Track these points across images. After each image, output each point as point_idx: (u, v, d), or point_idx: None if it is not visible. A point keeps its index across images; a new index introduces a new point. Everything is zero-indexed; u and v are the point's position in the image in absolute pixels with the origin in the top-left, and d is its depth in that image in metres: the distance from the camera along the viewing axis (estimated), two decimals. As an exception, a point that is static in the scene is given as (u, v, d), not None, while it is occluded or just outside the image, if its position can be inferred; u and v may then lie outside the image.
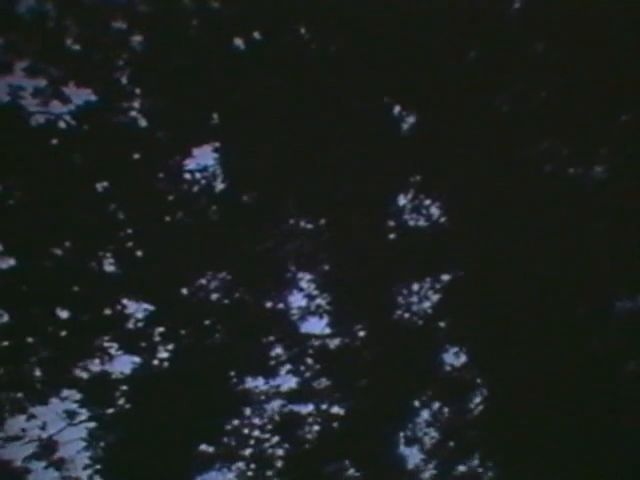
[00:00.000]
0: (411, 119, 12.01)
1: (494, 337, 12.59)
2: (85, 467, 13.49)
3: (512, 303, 12.41)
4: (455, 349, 13.03)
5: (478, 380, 13.18)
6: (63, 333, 12.18)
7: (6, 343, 12.17)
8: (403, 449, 13.59)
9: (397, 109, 11.97)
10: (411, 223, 12.54)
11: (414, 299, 12.92)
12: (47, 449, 13.50)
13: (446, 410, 13.41)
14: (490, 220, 12.26)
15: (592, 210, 11.63)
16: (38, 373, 12.64)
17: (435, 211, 12.61)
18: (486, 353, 12.92)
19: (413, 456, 13.62)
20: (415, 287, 12.87)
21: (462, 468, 13.59)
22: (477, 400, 13.24)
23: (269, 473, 13.90)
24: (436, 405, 13.39)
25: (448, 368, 13.07)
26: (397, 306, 12.92)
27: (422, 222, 12.64)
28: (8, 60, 10.12)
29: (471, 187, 12.23)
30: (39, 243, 11.13)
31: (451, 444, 13.46)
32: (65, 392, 12.94)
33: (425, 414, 13.45)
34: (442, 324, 12.86)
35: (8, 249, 11.17)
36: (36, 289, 11.53)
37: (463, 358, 13.06)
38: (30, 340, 12.19)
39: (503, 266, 12.30)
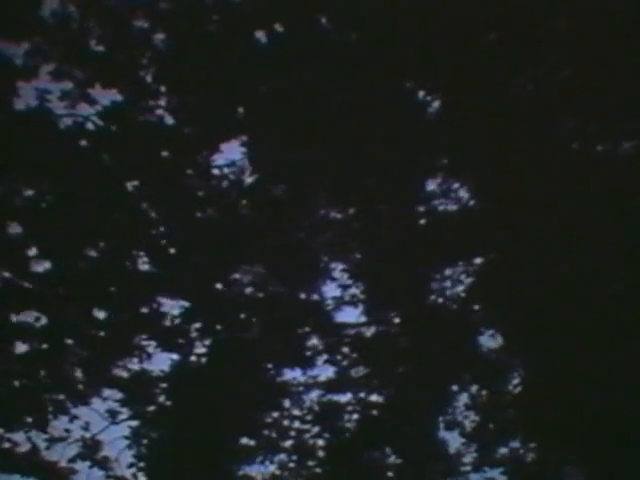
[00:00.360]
0: (436, 103, 11.79)
1: (528, 318, 12.35)
2: (129, 465, 13.44)
3: (545, 284, 12.17)
4: (490, 332, 12.80)
5: (515, 362, 12.95)
6: (101, 333, 12.12)
7: (45, 345, 12.13)
8: (443, 434, 13.44)
9: (421, 94, 11.76)
10: (441, 208, 12.32)
11: (447, 284, 12.71)
12: (91, 449, 13.47)
13: (484, 393, 13.20)
14: (520, 201, 12.02)
15: (624, 187, 11.36)
16: (79, 374, 12.61)
17: (464, 194, 12.39)
18: (521, 334, 12.69)
19: (454, 440, 13.48)
20: (448, 271, 12.65)
21: (503, 450, 13.39)
22: (515, 381, 13.03)
23: (311, 463, 13.78)
24: (474, 388, 13.19)
25: (484, 351, 12.85)
26: (430, 291, 12.71)
27: (451, 206, 12.42)
28: (34, 64, 10.03)
29: (499, 169, 12.00)
30: (73, 245, 11.05)
31: (491, 426, 13.26)
32: (106, 392, 12.92)
33: (464, 398, 13.27)
34: (476, 307, 12.63)
35: (43, 252, 11.12)
36: (72, 291, 11.47)
37: (499, 340, 12.84)
38: (69, 341, 12.14)
39: (535, 247, 12.07)
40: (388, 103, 11.43)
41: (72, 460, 13.54)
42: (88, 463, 13.58)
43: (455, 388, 13.13)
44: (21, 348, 12.18)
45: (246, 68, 10.71)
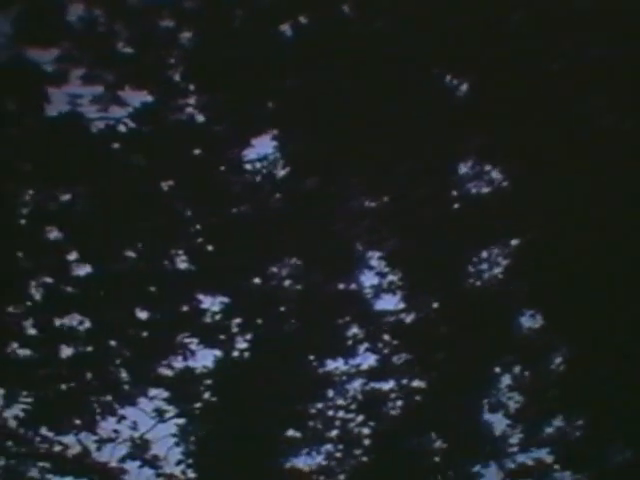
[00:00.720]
0: (464, 87, 11.59)
1: (568, 297, 12.11)
2: (178, 462, 13.37)
3: (583, 261, 11.92)
4: (530, 312, 12.56)
5: (556, 341, 12.71)
6: (144, 333, 12.06)
7: (90, 348, 12.10)
8: (488, 416, 13.21)
9: (448, 78, 11.57)
10: (474, 191, 12.11)
11: (484, 266, 12.49)
12: (140, 448, 13.42)
13: (527, 373, 12.96)
14: (553, 180, 11.78)
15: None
16: (124, 375, 12.55)
17: (497, 176, 12.16)
18: (562, 313, 12.45)
19: (499, 422, 13.25)
20: (484, 254, 12.43)
21: (549, 430, 13.14)
22: (558, 360, 12.78)
23: (357, 452, 13.62)
24: (517, 369, 12.96)
25: (525, 331, 12.61)
26: (468, 275, 12.50)
27: (484, 189, 12.20)
28: (64, 70, 9.96)
29: (530, 148, 11.76)
30: (112, 247, 10.98)
31: (536, 406, 13.02)
32: (152, 391, 12.85)
33: (507, 379, 13.04)
34: (515, 288, 12.40)
35: (83, 256, 11.06)
36: (114, 293, 11.41)
37: (539, 320, 12.59)
38: (113, 343, 12.09)
39: (571, 225, 11.82)
40: (417, 89, 11.25)
41: (122, 460, 13.50)
42: (138, 462, 13.55)
43: (497, 370, 12.91)
44: (66, 352, 12.19)
45: (273, 61, 10.58)
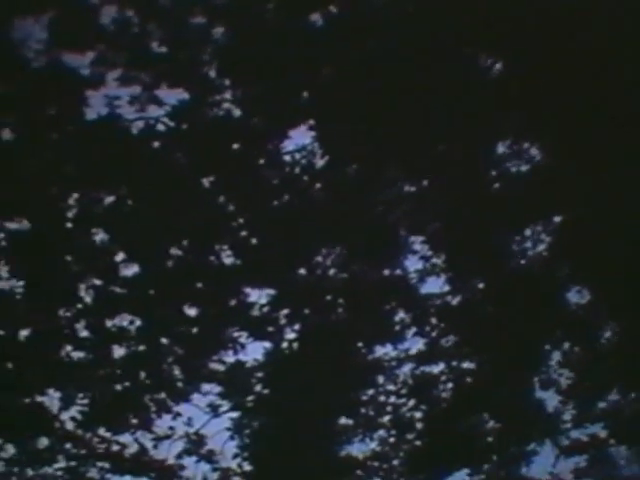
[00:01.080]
0: (498, 66, 11.35)
1: (615, 271, 11.83)
2: (234, 456, 13.31)
3: (627, 235, 11.65)
4: (577, 288, 12.30)
5: (605, 315, 12.44)
6: (194, 330, 11.99)
7: (142, 347, 12.06)
8: (539, 393, 12.98)
9: (482, 59, 11.34)
10: (513, 169, 11.87)
11: (528, 244, 12.25)
12: (196, 444, 13.37)
13: (577, 349, 12.70)
14: (592, 156, 11.51)
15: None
16: (177, 372, 12.51)
17: (535, 153, 11.91)
18: (610, 288, 12.17)
19: (551, 399, 13.01)
20: (527, 232, 12.19)
21: (603, 404, 12.88)
22: (607, 334, 12.51)
23: (410, 436, 13.46)
24: (566, 345, 12.70)
25: (573, 307, 12.35)
26: (512, 254, 12.26)
27: (524, 166, 11.95)
28: (100, 72, 9.89)
29: (568, 124, 11.49)
30: (158, 246, 10.91)
31: (587, 382, 12.76)
32: (205, 386, 12.80)
33: (556, 356, 12.79)
34: (560, 265, 12.15)
35: (130, 256, 11.01)
36: (162, 291, 11.34)
37: (587, 295, 12.33)
38: (164, 341, 12.04)
39: (614, 200, 11.53)
40: (450, 70, 11.04)
41: (179, 456, 13.47)
42: (194, 458, 13.51)
43: (547, 347, 12.66)
44: (119, 352, 12.18)
45: (306, 52, 10.44)
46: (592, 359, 12.63)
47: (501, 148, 11.83)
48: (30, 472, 13.28)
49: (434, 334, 12.67)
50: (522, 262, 12.33)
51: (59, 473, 13.39)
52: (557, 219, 12.11)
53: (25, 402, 12.31)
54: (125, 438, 13.18)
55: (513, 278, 12.22)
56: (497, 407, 12.96)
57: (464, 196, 11.74)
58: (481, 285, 12.36)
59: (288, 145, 10.96)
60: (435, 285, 12.41)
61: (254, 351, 12.54)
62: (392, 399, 13.27)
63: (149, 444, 13.27)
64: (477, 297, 12.36)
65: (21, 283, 11.02)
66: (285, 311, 12.14)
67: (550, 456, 13.17)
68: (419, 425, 13.34)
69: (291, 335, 12.45)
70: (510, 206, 11.85)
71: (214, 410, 13.01)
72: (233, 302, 11.83)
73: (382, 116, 10.89)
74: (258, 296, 11.96)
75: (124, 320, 11.75)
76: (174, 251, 11.10)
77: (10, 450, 12.85)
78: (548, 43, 10.91)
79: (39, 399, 12.33)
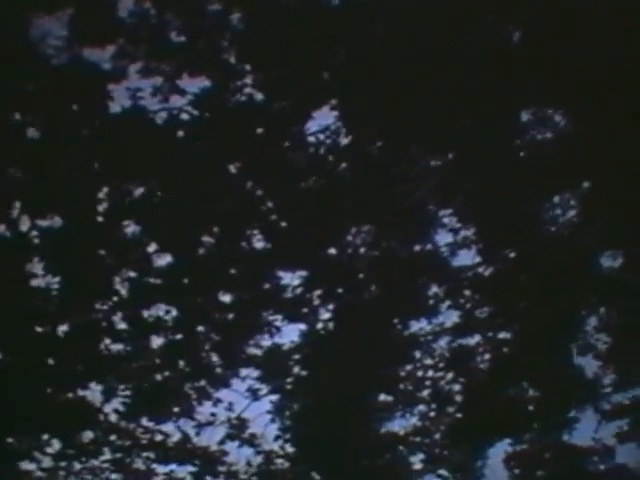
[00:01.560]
0: (517, 35, 11.17)
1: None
2: (275, 438, 13.34)
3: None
4: (610, 252, 12.14)
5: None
6: (230, 316, 11.99)
7: (180, 336, 12.08)
8: (578, 359, 12.87)
9: (503, 29, 11.16)
10: (539, 137, 11.70)
11: (557, 211, 12.10)
12: (237, 428, 13.42)
13: (613, 313, 12.56)
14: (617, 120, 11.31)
15: None
16: (215, 359, 12.53)
17: (559, 120, 11.72)
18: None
19: (589, 365, 12.91)
20: (556, 199, 12.04)
21: (642, 368, 12.76)
22: (642, 296, 12.36)
23: (450, 410, 13.42)
24: (602, 310, 12.57)
25: (606, 271, 12.20)
26: (542, 221, 12.12)
27: (549, 134, 11.78)
28: (122, 65, 9.85)
29: (592, 90, 11.30)
30: (189, 234, 10.90)
31: (625, 346, 12.63)
32: (243, 371, 12.83)
33: (593, 321, 12.67)
34: (591, 230, 11.99)
35: (162, 247, 11.01)
36: (196, 279, 11.34)
37: (619, 259, 12.17)
38: (201, 329, 12.06)
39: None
40: (469, 42, 10.89)
41: (221, 442, 13.54)
42: (236, 442, 13.56)
43: (583, 312, 12.53)
44: (157, 342, 12.21)
45: (323, 31, 10.33)
46: (630, 322, 12.49)
47: (525, 116, 11.68)
48: (77, 466, 13.40)
49: (468, 306, 12.60)
50: (552, 229, 12.21)
51: (105, 465, 13.50)
52: (586, 184, 11.96)
53: (68, 397, 12.40)
54: (168, 427, 13.31)
55: (544, 246, 12.10)
56: (536, 376, 12.87)
57: (489, 166, 11.62)
58: (512, 255, 12.25)
59: (312, 126, 10.87)
60: (466, 257, 12.36)
61: (290, 333, 12.59)
62: (430, 373, 13.26)
63: (192, 431, 13.37)
64: (509, 267, 12.25)
65: (57, 279, 11.07)
66: (318, 292, 12.11)
67: (592, 422, 13.11)
68: (458, 398, 13.30)
69: (325, 315, 12.46)
70: (537, 174, 11.71)
71: (254, 394, 13.05)
72: (267, 286, 11.81)
73: (403, 91, 10.77)
74: (291, 278, 11.98)
75: (160, 310, 11.80)
76: (205, 239, 11.08)
77: (56, 445, 12.99)
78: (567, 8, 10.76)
79: (81, 393, 12.43)
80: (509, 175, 11.65)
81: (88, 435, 13.08)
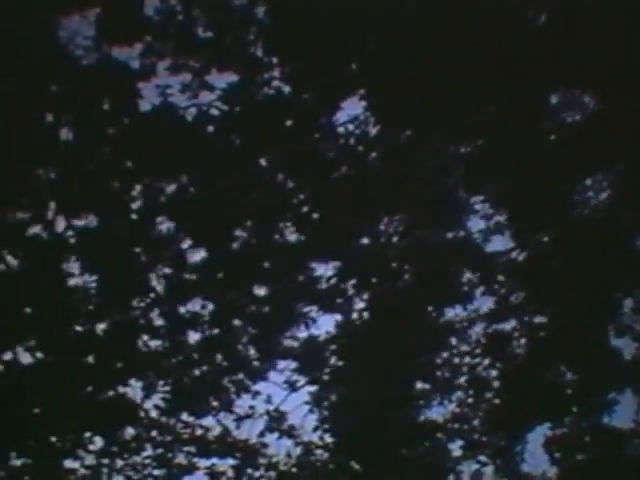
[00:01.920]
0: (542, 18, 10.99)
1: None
2: (314, 429, 13.29)
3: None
4: (644, 232, 11.95)
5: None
6: (265, 309, 11.97)
7: (216, 331, 12.08)
8: (615, 341, 12.68)
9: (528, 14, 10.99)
10: (569, 119, 11.52)
11: (590, 194, 11.93)
12: (276, 420, 13.39)
13: (651, 293, 12.37)
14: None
15: None
16: (252, 352, 12.52)
17: (589, 100, 11.52)
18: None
19: (627, 346, 12.70)
20: (588, 182, 11.86)
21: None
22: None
23: (488, 395, 13.29)
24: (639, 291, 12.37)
25: (641, 252, 12.02)
26: (574, 204, 11.95)
27: (578, 115, 11.59)
28: (150, 63, 9.84)
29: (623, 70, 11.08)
30: (222, 229, 10.88)
31: (663, 326, 12.44)
32: (281, 363, 12.81)
33: (629, 302, 12.46)
34: (626, 211, 11.79)
35: (196, 242, 11.00)
36: (230, 273, 11.32)
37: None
38: (237, 322, 12.05)
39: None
40: (495, 28, 10.73)
41: (261, 435, 13.53)
42: (276, 434, 13.53)
43: (619, 294, 12.34)
44: (194, 337, 12.22)
45: (349, 22, 10.23)
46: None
47: (553, 99, 11.51)
48: (119, 463, 13.44)
49: (503, 291, 12.47)
50: (586, 211, 12.03)
51: (147, 461, 13.53)
52: (619, 166, 11.76)
53: (109, 394, 12.44)
54: (208, 421, 13.31)
55: (578, 228, 11.93)
56: (573, 359, 12.70)
57: (519, 150, 11.46)
58: (546, 239, 12.09)
59: (341, 117, 10.79)
60: (499, 243, 12.23)
61: (325, 324, 12.54)
62: (467, 360, 13.13)
63: (231, 425, 13.37)
64: (543, 251, 12.10)
65: (94, 278, 11.11)
66: (352, 282, 12.04)
67: (632, 404, 12.91)
68: (496, 383, 13.16)
69: (360, 305, 12.39)
70: (569, 156, 11.54)
71: (291, 386, 13.02)
72: (301, 278, 11.77)
73: (430, 78, 10.65)
74: (324, 269, 11.93)
75: (196, 305, 11.80)
76: (239, 233, 11.05)
77: (99, 443, 13.04)
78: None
79: (122, 390, 12.46)
80: (540, 159, 11.49)
81: (130, 432, 13.12)
